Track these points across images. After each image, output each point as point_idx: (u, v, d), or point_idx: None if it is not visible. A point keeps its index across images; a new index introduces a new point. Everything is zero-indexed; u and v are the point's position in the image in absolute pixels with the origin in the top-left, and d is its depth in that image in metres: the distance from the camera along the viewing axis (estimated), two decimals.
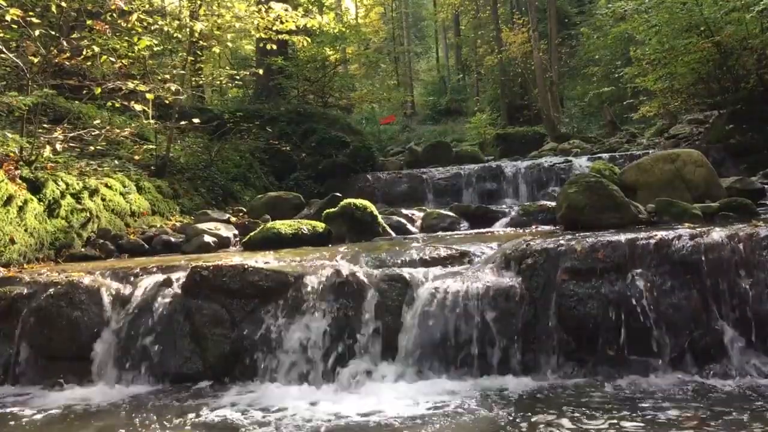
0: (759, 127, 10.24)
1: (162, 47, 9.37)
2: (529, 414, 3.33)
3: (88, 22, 7.22)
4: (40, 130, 6.65)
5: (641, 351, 3.88)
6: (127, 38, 7.71)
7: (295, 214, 7.91)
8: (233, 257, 5.23)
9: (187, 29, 8.68)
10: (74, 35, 7.42)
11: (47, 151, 6.30)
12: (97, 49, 7.08)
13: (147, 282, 4.65)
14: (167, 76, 8.19)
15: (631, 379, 3.78)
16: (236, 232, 6.99)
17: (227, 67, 15.35)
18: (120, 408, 3.86)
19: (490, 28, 27.12)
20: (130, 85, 6.99)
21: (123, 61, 7.83)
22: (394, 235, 6.60)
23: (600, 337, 3.95)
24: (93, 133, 7.24)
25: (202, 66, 11.72)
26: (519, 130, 19.46)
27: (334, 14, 10.93)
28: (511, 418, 3.29)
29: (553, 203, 6.65)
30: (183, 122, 8.34)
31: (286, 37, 9.24)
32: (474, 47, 31.30)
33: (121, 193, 7.08)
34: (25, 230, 5.61)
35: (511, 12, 27.92)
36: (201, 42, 8.90)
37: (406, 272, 4.45)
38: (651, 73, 13.24)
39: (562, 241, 4.37)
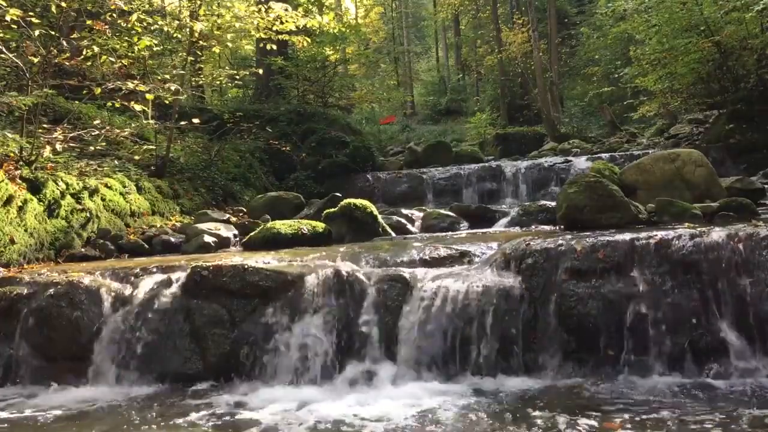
0: (759, 127, 10.25)
1: (162, 47, 9.37)
2: (529, 414, 3.33)
3: (88, 22, 7.23)
4: (40, 130, 6.64)
5: (641, 351, 3.88)
6: (127, 38, 7.71)
7: (295, 214, 7.91)
8: (233, 257, 5.23)
9: (187, 29, 8.67)
10: (74, 35, 7.42)
11: (47, 151, 6.30)
12: (97, 49, 7.09)
13: (147, 282, 4.65)
14: (167, 76, 8.18)
15: (631, 379, 3.79)
16: (236, 232, 6.98)
17: (227, 67, 15.35)
18: (120, 408, 3.86)
19: (490, 28, 27.09)
20: (130, 85, 6.98)
21: (123, 61, 7.83)
22: (394, 235, 6.59)
23: (600, 337, 3.95)
24: (93, 133, 7.23)
25: (202, 66, 11.70)
26: (519, 130, 19.45)
27: (334, 14, 10.92)
28: (511, 418, 3.29)
29: (553, 203, 6.64)
30: (183, 122, 8.33)
31: (286, 37, 9.24)
32: (474, 47, 31.29)
33: (120, 193, 7.08)
34: (25, 230, 5.61)
35: (511, 12, 27.91)
36: (201, 42, 8.88)
37: (406, 272, 4.45)
38: (651, 73, 13.25)
39: (562, 241, 4.37)
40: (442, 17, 33.05)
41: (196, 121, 8.32)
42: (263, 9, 8.57)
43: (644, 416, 3.21)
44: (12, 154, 6.19)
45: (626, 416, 3.22)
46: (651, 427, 3.08)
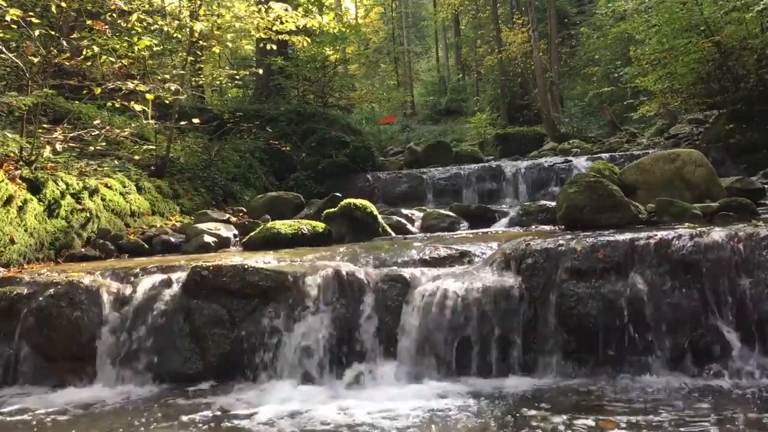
0: (759, 127, 10.25)
1: (162, 47, 9.36)
2: (529, 414, 3.33)
3: (88, 22, 7.22)
4: (40, 130, 6.64)
5: (641, 351, 3.88)
6: (127, 38, 7.71)
7: (295, 214, 7.90)
8: (233, 257, 5.23)
9: (187, 29, 8.67)
10: (74, 35, 7.42)
11: (47, 151, 6.30)
12: (97, 49, 7.08)
13: (147, 282, 4.65)
14: (167, 76, 8.18)
15: (632, 379, 3.79)
16: (236, 232, 6.98)
17: (227, 67, 15.35)
18: (119, 408, 3.86)
19: (490, 28, 27.10)
20: (130, 85, 6.98)
21: (123, 61, 7.83)
22: (394, 235, 6.59)
23: (600, 337, 3.95)
24: (93, 133, 7.23)
25: (202, 66, 11.70)
26: (519, 130, 19.46)
27: (334, 14, 10.92)
28: (510, 419, 3.29)
29: (553, 203, 6.64)
30: (183, 122, 8.33)
31: (286, 37, 9.24)
32: (474, 47, 31.30)
33: (120, 193, 7.08)
34: (25, 230, 5.61)
35: (511, 12, 27.92)
36: (201, 42, 8.88)
37: (406, 272, 4.45)
38: (651, 73, 13.25)
39: (562, 241, 4.37)
40: (442, 17, 33.05)
41: (196, 121, 8.32)
42: (263, 9, 8.57)
43: (642, 416, 3.21)
44: (12, 154, 6.19)
45: (625, 417, 3.22)
46: (647, 427, 3.08)
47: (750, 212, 5.56)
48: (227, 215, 7.97)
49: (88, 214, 6.40)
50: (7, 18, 6.04)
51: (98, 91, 6.78)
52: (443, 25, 35.43)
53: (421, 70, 40.92)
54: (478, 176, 11.12)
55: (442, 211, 7.43)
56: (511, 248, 4.53)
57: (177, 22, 9.36)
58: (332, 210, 6.59)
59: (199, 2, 8.64)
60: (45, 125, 7.19)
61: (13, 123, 7.20)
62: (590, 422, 3.16)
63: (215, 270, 4.49)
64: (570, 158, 11.69)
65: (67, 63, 6.93)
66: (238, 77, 10.50)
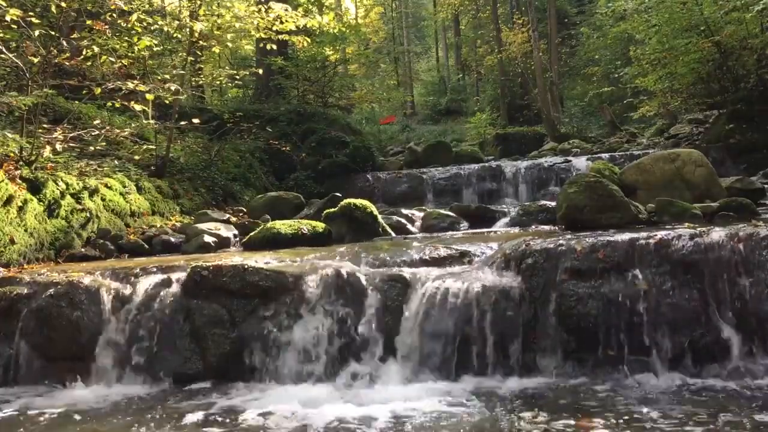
0: (759, 127, 10.25)
1: (162, 47, 9.36)
2: (529, 414, 3.33)
3: (88, 22, 7.22)
4: (40, 130, 6.64)
5: (641, 351, 3.88)
6: (127, 38, 7.71)
7: (295, 214, 7.90)
8: (233, 257, 5.23)
9: (187, 29, 8.67)
10: (74, 35, 7.42)
11: (47, 151, 6.30)
12: (97, 49, 7.08)
13: (147, 282, 4.65)
14: (167, 76, 8.18)
15: (631, 379, 3.79)
16: (236, 232, 6.98)
17: (227, 67, 15.35)
18: (120, 408, 3.86)
19: (490, 28, 27.09)
20: (130, 85, 6.98)
21: (123, 61, 7.83)
22: (394, 235, 6.59)
23: (600, 337, 3.95)
24: (93, 133, 7.23)
25: (202, 66, 11.69)
26: (519, 130, 19.45)
27: (334, 14, 10.93)
28: (510, 419, 3.29)
29: (553, 203, 6.64)
30: (183, 122, 8.32)
31: (286, 37, 9.24)
32: (474, 47, 31.30)
33: (120, 193, 7.08)
34: (25, 230, 5.61)
35: (511, 12, 27.91)
36: (201, 42, 8.88)
37: (406, 272, 4.45)
38: (651, 73, 13.25)
39: (562, 241, 4.37)
40: (442, 17, 33.04)
41: (196, 121, 8.32)
42: (263, 9, 8.57)
43: (633, 416, 3.21)
44: (12, 154, 6.19)
45: (617, 417, 3.22)
46: (634, 427, 3.07)
47: (750, 212, 5.56)
48: (227, 215, 7.97)
49: (88, 214, 6.40)
50: (7, 18, 6.04)
51: (98, 91, 6.78)
52: (443, 25, 35.42)
53: (421, 70, 40.91)
54: (478, 176, 11.12)
55: (442, 211, 7.42)
56: (511, 248, 4.53)
57: (177, 22, 9.36)
58: (332, 210, 6.59)
59: (199, 2, 8.64)
60: (45, 125, 7.19)
61: (13, 123, 7.20)
62: (587, 422, 3.16)
63: (215, 270, 4.49)
64: (570, 158, 11.69)
65: (67, 63, 6.93)
66: (238, 77, 10.49)
